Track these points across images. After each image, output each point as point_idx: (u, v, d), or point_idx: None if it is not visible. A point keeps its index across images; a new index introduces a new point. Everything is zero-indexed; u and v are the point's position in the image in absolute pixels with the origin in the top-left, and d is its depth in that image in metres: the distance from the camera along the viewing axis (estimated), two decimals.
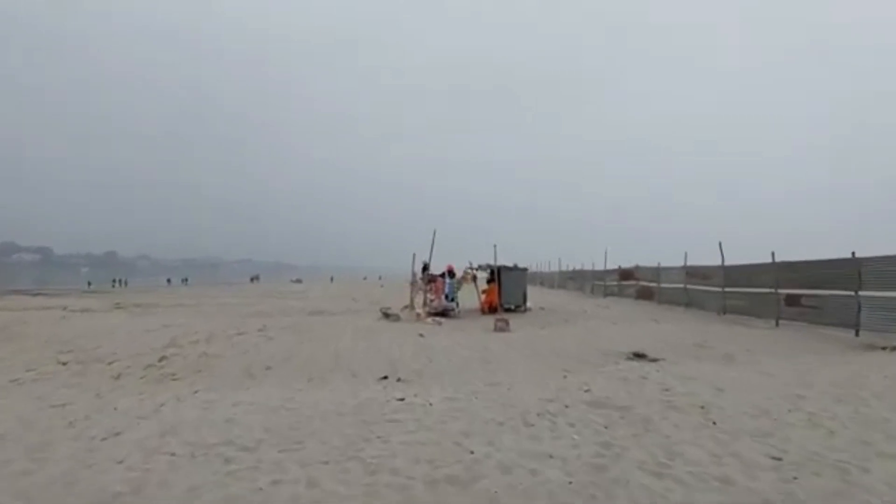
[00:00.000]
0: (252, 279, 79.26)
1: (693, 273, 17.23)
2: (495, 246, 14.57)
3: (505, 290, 14.73)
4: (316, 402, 4.83)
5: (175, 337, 9.81)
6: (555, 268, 39.67)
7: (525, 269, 16.14)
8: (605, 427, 4.03)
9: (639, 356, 8.02)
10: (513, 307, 15.43)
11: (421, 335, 10.24)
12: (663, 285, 19.44)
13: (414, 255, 15.74)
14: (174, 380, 6.36)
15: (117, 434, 4.00)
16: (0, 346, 9.37)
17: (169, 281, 63.72)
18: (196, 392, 5.59)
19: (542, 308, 16.32)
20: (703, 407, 4.51)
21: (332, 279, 76.03)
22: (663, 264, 19.71)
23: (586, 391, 5.15)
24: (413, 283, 15.97)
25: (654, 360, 7.54)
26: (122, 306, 20.72)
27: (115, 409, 4.79)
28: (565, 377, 6.01)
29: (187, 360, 7.58)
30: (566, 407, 4.57)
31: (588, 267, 31.42)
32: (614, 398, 4.84)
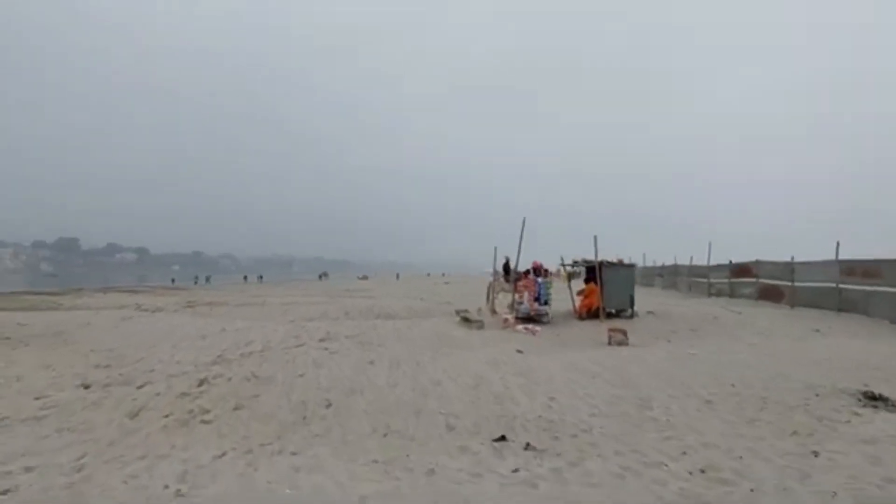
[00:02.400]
0: (320, 276, 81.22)
1: (850, 269, 13.52)
2: (595, 237, 11.97)
3: (608, 291, 12.07)
4: None
5: (227, 348, 8.28)
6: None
7: (633, 266, 13.33)
8: None
9: (874, 398, 5.21)
10: (615, 311, 12.74)
11: (519, 351, 7.98)
12: (800, 284, 15.72)
13: (495, 248, 13.51)
14: (204, 422, 4.58)
15: None
16: (45, 354, 8.35)
17: (245, 278, 66.31)
18: (223, 455, 3.73)
19: (651, 312, 13.42)
20: None
21: (397, 276, 75.84)
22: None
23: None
24: (494, 282, 13.75)
25: None
26: (193, 305, 20.36)
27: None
28: (816, 455, 3.47)
29: (230, 387, 5.86)
30: None
31: (681, 261, 27.60)
32: None
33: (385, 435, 4.15)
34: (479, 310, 13.86)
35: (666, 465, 3.33)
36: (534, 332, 9.94)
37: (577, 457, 3.51)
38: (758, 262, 19.09)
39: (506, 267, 14.19)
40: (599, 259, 12.48)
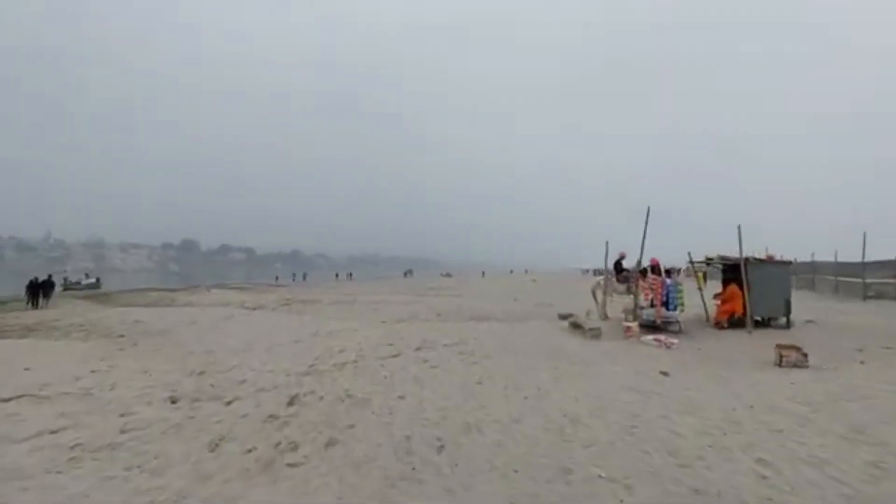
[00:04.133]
0: (405, 273, 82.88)
1: None
2: (739, 227, 9.68)
3: (756, 295, 9.73)
4: None
5: (319, 356, 7.59)
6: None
7: (788, 264, 10.74)
8: None
9: None
10: (763, 320, 10.33)
11: (664, 373, 6.29)
12: None
13: (607, 243, 11.68)
14: (290, 466, 3.64)
15: None
16: (147, 356, 8.29)
17: (337, 276, 69.49)
18: None
19: (811, 321, 10.74)
20: None
21: (483, 274, 74.86)
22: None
23: None
24: (605, 282, 11.93)
25: None
26: (289, 303, 20.86)
27: None
28: None
29: (322, 409, 4.97)
30: None
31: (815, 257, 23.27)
32: None
33: None
34: (588, 313, 12.15)
35: None
36: (668, 346, 8.10)
37: None
38: None
39: (618, 265, 12.28)
40: (736, 255, 10.17)
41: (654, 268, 11.82)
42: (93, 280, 45.48)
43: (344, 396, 5.39)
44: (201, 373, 6.92)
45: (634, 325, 9.18)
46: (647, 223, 9.56)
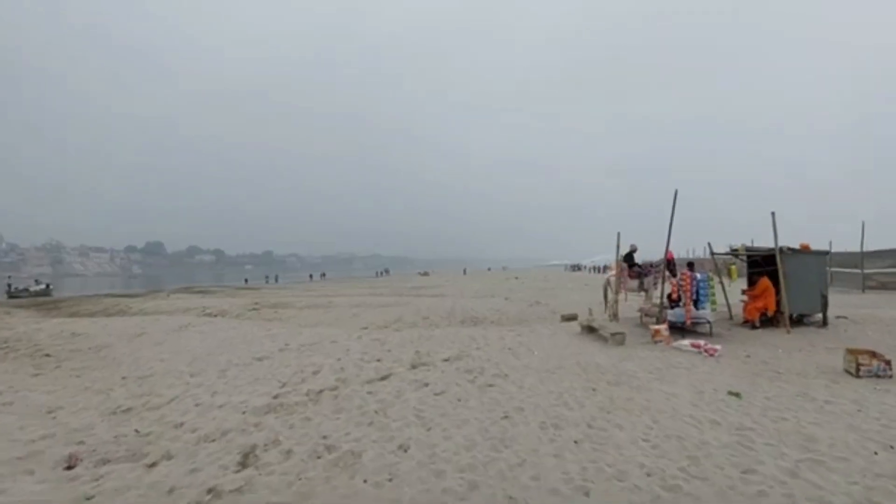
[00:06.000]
0: (380, 273, 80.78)
1: None
2: (773, 214, 8.50)
3: (793, 289, 8.57)
4: None
5: (287, 381, 5.94)
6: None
7: (826, 254, 9.62)
8: None
9: None
10: (793, 316, 9.21)
11: (735, 395, 4.93)
12: None
13: (619, 234, 10.36)
14: None
15: None
16: (66, 383, 6.48)
17: (311, 277, 66.90)
18: None
19: (843, 317, 9.69)
20: None
21: (464, 272, 73.36)
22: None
23: None
24: (617, 277, 10.64)
25: None
26: (258, 307, 18.89)
27: None
28: None
29: (290, 474, 3.38)
30: None
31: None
32: None
33: None
34: (590, 312, 10.82)
35: None
36: (711, 353, 6.80)
37: None
38: None
39: (628, 257, 11.02)
40: (767, 245, 9.03)
41: (669, 263, 10.65)
42: (42, 286, 41.84)
43: (321, 449, 3.80)
44: (127, 410, 5.21)
45: (663, 327, 7.86)
46: (674, 209, 8.25)
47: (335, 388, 5.51)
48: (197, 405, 5.28)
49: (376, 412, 4.65)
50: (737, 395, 4.92)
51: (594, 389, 5.22)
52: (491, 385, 5.46)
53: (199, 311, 17.84)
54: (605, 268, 10.66)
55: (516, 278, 43.60)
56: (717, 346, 6.92)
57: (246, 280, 61.10)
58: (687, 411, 4.44)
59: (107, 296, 32.38)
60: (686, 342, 7.27)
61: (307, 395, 5.33)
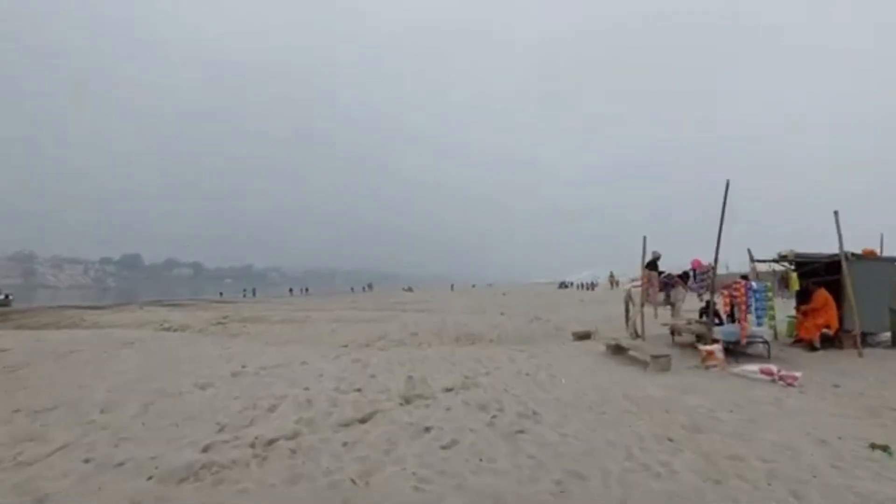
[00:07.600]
0: (364, 288, 78.42)
1: None
2: (836, 213, 7.14)
3: (861, 303, 7.16)
4: None
5: (229, 422, 4.22)
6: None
7: (895, 260, 8.23)
8: None
9: None
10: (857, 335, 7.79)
11: (882, 448, 3.41)
12: None
13: (644, 238, 8.90)
14: None
15: None
16: None
17: (291, 291, 64.32)
18: None
19: None
20: None
21: (452, 287, 71.59)
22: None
23: None
24: (643, 288, 9.17)
25: None
26: (225, 322, 16.87)
27: None
28: None
29: None
30: None
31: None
32: None
33: None
34: (596, 330, 9.29)
35: None
36: (791, 382, 5.28)
37: None
38: None
39: (652, 265, 9.56)
40: (827, 252, 7.66)
41: (695, 271, 9.28)
42: (1, 297, 38.94)
43: None
44: None
45: (717, 348, 6.34)
46: (724, 203, 6.80)
47: (294, 437, 3.80)
48: (86, 461, 3.54)
49: (354, 482, 2.96)
50: (884, 448, 3.38)
51: (671, 440, 3.63)
52: (521, 431, 3.82)
53: (158, 325, 15.80)
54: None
55: (504, 294, 42.09)
56: (797, 374, 5.40)
57: (221, 293, 58.41)
58: (834, 479, 2.88)
59: (72, 307, 29.82)
60: (753, 367, 5.74)
61: (252, 446, 3.62)
